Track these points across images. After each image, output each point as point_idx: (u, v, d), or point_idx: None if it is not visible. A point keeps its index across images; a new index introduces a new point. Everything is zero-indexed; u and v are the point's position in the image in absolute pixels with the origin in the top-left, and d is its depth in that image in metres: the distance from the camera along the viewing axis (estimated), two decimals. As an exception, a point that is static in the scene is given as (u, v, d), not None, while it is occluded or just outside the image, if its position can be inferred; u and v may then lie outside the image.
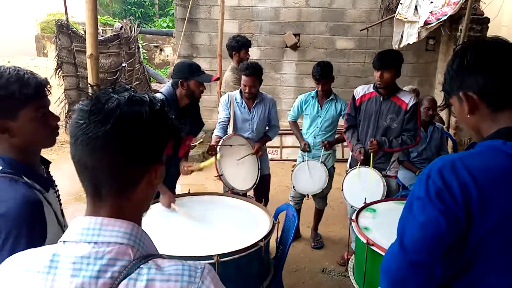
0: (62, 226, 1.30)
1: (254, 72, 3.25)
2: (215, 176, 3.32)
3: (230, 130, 3.25)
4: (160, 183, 0.87)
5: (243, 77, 3.28)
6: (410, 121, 3.08)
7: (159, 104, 0.82)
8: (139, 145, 0.77)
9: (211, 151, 2.94)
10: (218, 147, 2.98)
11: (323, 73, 3.45)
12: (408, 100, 3.07)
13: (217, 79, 3.01)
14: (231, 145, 3.09)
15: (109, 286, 0.72)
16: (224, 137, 3.12)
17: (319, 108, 3.63)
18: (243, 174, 3.14)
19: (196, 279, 0.76)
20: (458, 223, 0.95)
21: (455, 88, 1.11)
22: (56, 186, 1.36)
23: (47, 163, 1.37)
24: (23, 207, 1.10)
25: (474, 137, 1.13)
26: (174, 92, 2.70)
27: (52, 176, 1.37)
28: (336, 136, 3.80)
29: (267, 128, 3.56)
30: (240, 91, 3.40)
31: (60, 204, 1.37)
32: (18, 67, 1.24)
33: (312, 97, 3.68)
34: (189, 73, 2.67)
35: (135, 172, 0.80)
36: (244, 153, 3.20)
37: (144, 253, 0.78)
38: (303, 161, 3.71)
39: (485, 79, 1.04)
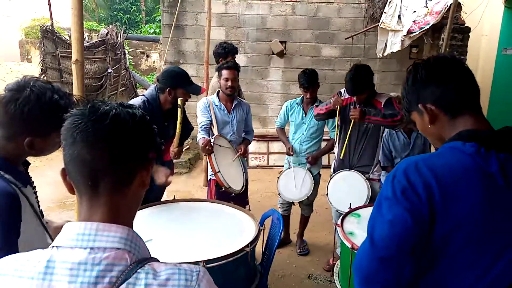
0: (41, 220, 1.33)
1: (234, 66, 3.25)
2: (210, 175, 3.27)
3: (215, 133, 3.24)
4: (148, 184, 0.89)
5: (224, 71, 3.22)
6: (388, 108, 3.03)
7: (142, 111, 0.88)
8: (134, 141, 0.82)
9: (208, 146, 2.91)
10: (212, 143, 2.97)
11: (311, 81, 3.47)
12: (382, 100, 3.11)
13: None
14: (220, 145, 3.12)
15: None
16: (213, 137, 3.11)
17: (304, 115, 3.66)
18: (233, 174, 3.15)
19: (192, 282, 0.77)
20: (423, 220, 1.00)
21: (413, 102, 1.19)
22: (35, 187, 1.39)
23: (27, 164, 1.41)
24: None
25: (438, 145, 1.19)
26: (157, 96, 2.71)
27: (31, 177, 1.40)
28: (323, 144, 3.83)
29: (243, 133, 3.56)
30: (217, 95, 3.38)
31: (38, 203, 1.39)
32: (59, 86, 1.32)
33: (297, 104, 3.70)
34: (179, 83, 2.68)
35: (130, 168, 0.83)
36: (229, 155, 3.22)
37: (140, 257, 0.79)
38: (289, 167, 3.72)
39: (439, 89, 1.14)
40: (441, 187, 0.99)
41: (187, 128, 3.06)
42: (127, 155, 0.81)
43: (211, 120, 3.26)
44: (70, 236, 0.77)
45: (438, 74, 1.15)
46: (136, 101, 2.71)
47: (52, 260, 0.74)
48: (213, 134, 3.22)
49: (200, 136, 3.15)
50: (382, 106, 3.08)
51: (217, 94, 3.39)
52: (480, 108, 1.16)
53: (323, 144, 3.83)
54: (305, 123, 3.66)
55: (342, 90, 3.33)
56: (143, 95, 2.75)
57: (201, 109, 3.31)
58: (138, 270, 0.75)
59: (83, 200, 0.81)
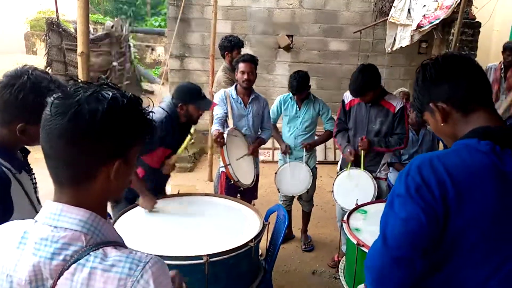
0: (35, 206, 1.37)
1: (251, 58, 3.26)
2: (221, 167, 3.25)
3: (231, 125, 3.23)
4: (126, 181, 0.90)
5: (241, 64, 3.24)
6: (399, 124, 3.08)
7: (124, 101, 0.84)
8: (93, 140, 0.81)
9: (220, 138, 2.92)
10: (225, 135, 2.98)
11: (299, 88, 3.50)
12: (395, 103, 3.05)
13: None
14: (236, 136, 3.14)
15: (61, 267, 0.78)
16: (227, 129, 3.13)
17: (298, 108, 3.65)
18: (244, 169, 3.14)
19: (136, 272, 0.78)
20: (437, 218, 0.99)
21: (425, 102, 1.18)
22: (34, 174, 1.43)
23: (26, 152, 1.45)
24: None
25: (451, 144, 1.18)
26: (175, 109, 2.70)
27: (29, 164, 1.44)
28: (316, 137, 3.81)
29: (259, 130, 3.54)
30: (235, 87, 3.38)
31: (36, 191, 1.43)
32: (57, 78, 1.36)
33: (290, 98, 3.70)
34: (189, 99, 2.68)
35: (89, 166, 0.83)
36: (242, 149, 3.21)
37: (99, 240, 0.82)
38: (285, 163, 3.69)
39: (449, 86, 1.13)
40: (455, 184, 0.98)
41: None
42: (84, 155, 0.82)
43: (226, 112, 3.27)
44: (44, 214, 0.83)
45: (447, 71, 1.14)
46: (158, 114, 2.61)
47: (27, 232, 0.83)
48: (228, 127, 3.23)
49: (214, 127, 3.16)
50: (395, 111, 3.05)
51: (235, 87, 3.40)
52: (493, 104, 1.15)
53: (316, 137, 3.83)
54: (299, 117, 3.66)
55: (348, 94, 3.26)
56: (162, 108, 2.70)
57: (217, 101, 3.33)
58: (90, 253, 0.78)
59: (54, 185, 0.86)
